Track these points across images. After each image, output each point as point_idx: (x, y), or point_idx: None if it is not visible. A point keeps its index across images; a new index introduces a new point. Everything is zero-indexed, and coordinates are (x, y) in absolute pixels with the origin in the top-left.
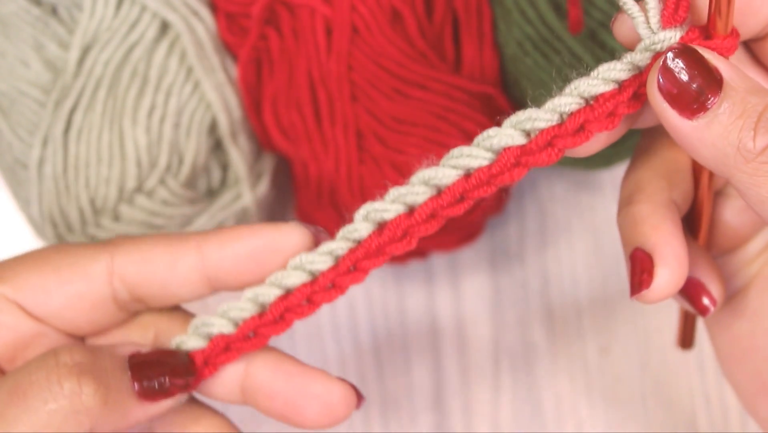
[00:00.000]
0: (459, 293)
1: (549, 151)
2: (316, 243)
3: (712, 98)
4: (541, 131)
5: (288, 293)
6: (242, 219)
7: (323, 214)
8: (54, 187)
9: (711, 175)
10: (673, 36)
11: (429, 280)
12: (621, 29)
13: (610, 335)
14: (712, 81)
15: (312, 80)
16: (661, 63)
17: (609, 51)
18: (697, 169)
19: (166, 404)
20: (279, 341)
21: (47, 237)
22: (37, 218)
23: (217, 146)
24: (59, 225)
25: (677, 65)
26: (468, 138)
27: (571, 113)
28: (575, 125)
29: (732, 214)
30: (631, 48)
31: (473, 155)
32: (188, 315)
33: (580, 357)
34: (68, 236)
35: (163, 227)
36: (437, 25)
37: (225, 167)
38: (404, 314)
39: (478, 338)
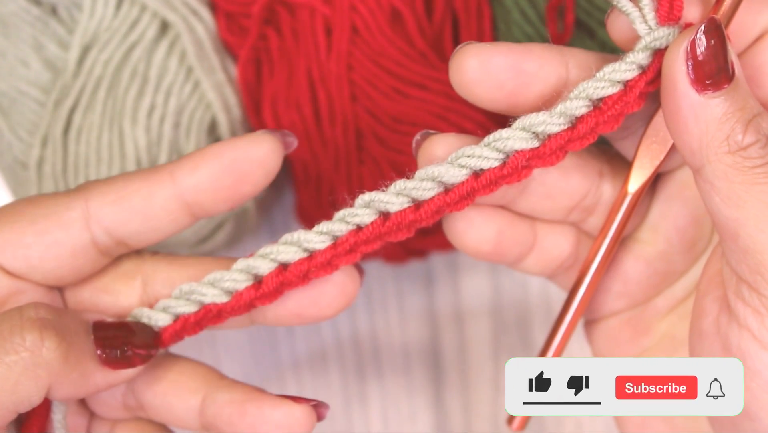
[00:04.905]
0: (459, 293)
1: (558, 154)
2: (285, 147)
3: (725, 84)
4: (554, 135)
5: (284, 268)
6: (242, 219)
7: (323, 213)
8: (54, 187)
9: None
10: (672, 33)
11: (429, 280)
12: (615, 26)
13: None
14: (728, 68)
15: (312, 80)
16: (702, 28)
17: (609, 50)
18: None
19: (126, 373)
20: (277, 343)
21: None
22: None
23: None
24: None
25: (708, 38)
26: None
27: (582, 117)
28: (586, 129)
29: (640, 262)
30: (624, 46)
31: (484, 156)
32: (171, 256)
33: (579, 357)
34: None
35: None
36: (437, 25)
37: None
38: (404, 314)
39: (478, 338)
